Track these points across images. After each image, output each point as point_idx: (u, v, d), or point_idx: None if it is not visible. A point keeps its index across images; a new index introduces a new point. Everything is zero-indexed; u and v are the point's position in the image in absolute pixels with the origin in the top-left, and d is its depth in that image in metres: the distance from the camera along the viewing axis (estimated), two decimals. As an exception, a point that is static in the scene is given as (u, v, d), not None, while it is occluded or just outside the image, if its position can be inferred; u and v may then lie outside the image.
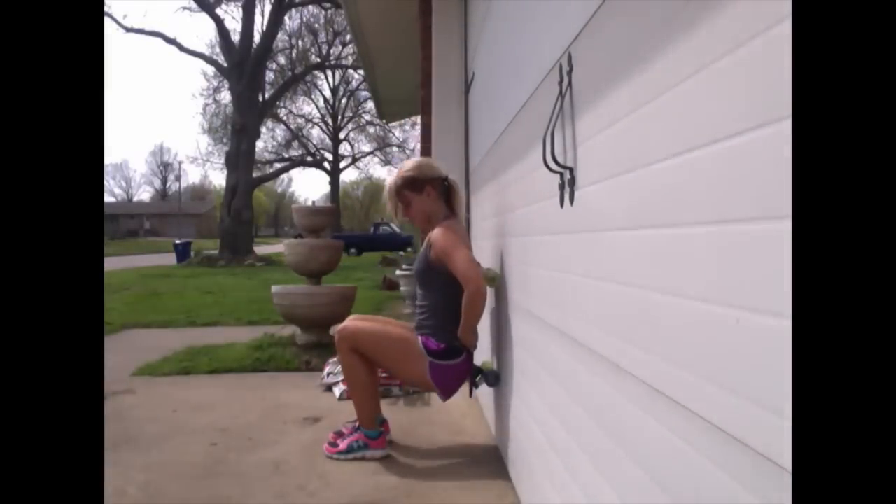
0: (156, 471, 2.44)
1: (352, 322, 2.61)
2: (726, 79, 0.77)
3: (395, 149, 35.31)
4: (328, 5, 23.40)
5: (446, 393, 2.54)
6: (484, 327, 2.63)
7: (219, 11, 21.17)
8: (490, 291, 2.72)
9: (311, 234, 4.92)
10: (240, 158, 19.43)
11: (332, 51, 27.44)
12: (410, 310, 4.99)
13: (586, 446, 1.37)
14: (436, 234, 2.47)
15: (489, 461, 2.54)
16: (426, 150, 4.41)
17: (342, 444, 2.56)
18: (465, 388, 2.64)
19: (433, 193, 2.59)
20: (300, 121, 34.76)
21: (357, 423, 2.61)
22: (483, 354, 2.80)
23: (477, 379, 2.60)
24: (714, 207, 0.80)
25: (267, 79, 24.59)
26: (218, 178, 72.54)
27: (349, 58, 26.32)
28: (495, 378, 2.58)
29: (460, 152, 4.10)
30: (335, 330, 2.59)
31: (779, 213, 0.64)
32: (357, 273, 13.46)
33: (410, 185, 2.58)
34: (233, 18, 38.84)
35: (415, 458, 2.57)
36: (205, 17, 22.44)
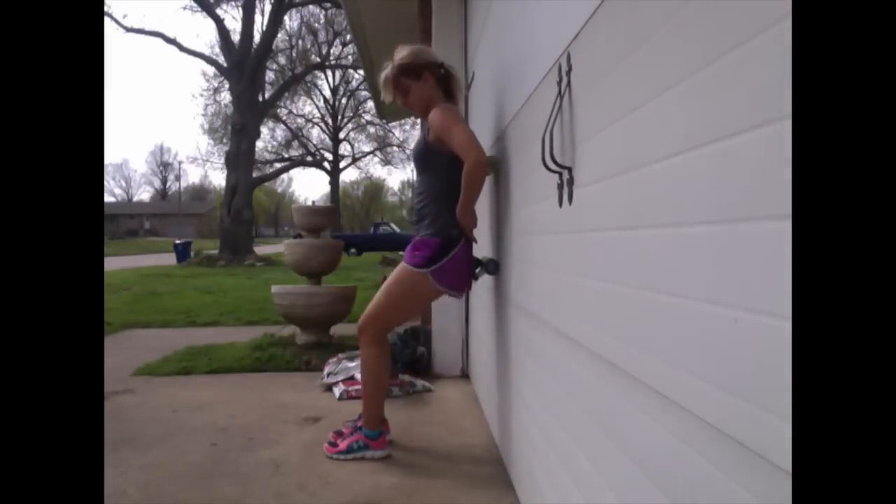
0: (156, 471, 2.44)
1: (367, 309, 2.57)
2: (726, 78, 0.77)
3: (395, 149, 35.35)
4: (328, 5, 23.40)
5: (459, 290, 2.50)
6: (483, 322, 2.63)
7: (219, 11, 21.19)
8: (490, 287, 2.72)
9: (310, 233, 4.93)
10: (240, 158, 19.43)
11: (332, 51, 27.45)
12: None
13: (585, 446, 1.37)
14: (434, 114, 2.40)
15: (489, 461, 2.54)
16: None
17: (342, 445, 2.56)
18: (464, 383, 2.63)
19: (431, 79, 2.53)
20: (300, 121, 34.78)
21: (357, 423, 2.60)
22: (480, 252, 2.76)
23: (477, 271, 2.56)
24: (713, 207, 0.80)
25: (267, 79, 24.60)
26: (218, 178, 72.64)
27: (349, 58, 26.32)
28: (495, 266, 2.54)
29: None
30: (359, 323, 2.56)
31: (779, 213, 0.64)
32: (357, 273, 13.45)
33: (408, 71, 2.51)
34: (233, 18, 38.87)
35: (415, 458, 2.57)
36: (205, 17, 22.41)
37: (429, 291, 2.46)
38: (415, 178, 2.63)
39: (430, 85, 2.53)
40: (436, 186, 2.45)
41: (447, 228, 2.40)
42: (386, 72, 2.58)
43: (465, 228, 2.44)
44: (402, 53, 2.57)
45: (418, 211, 2.50)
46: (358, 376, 3.71)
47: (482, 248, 2.88)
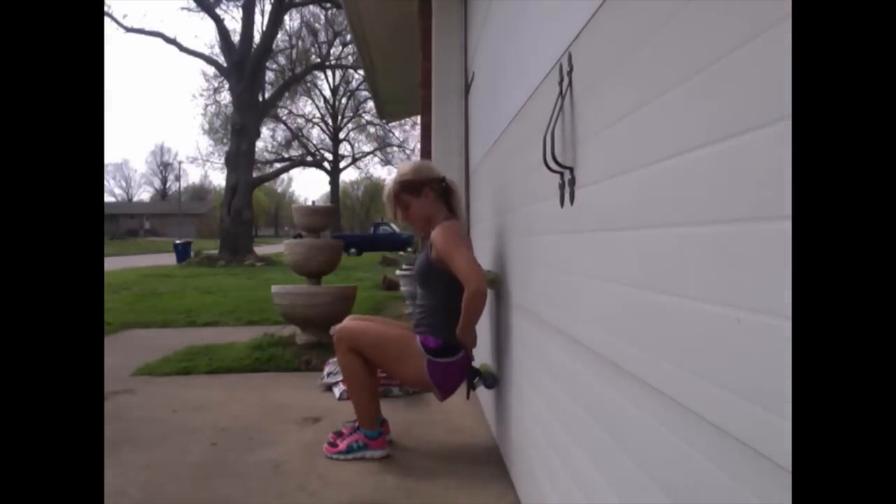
0: (156, 471, 2.44)
1: (350, 322, 2.62)
2: (726, 78, 0.77)
3: (395, 149, 35.35)
4: (328, 5, 23.41)
5: (444, 392, 2.54)
6: (483, 329, 2.63)
7: (219, 11, 21.19)
8: (490, 294, 2.72)
9: (310, 233, 4.92)
10: (240, 158, 19.42)
11: (332, 51, 27.46)
12: (410, 310, 4.99)
13: (586, 446, 1.37)
14: (436, 233, 2.47)
15: (489, 461, 2.54)
16: (426, 150, 4.41)
17: (342, 445, 2.56)
18: (462, 390, 2.64)
19: (431, 195, 2.59)
20: (300, 121, 34.80)
21: (357, 423, 2.61)
22: (481, 358, 2.80)
23: (475, 381, 2.60)
24: (714, 207, 0.80)
25: (267, 79, 24.60)
26: (218, 178, 72.62)
27: (349, 58, 26.33)
28: (493, 380, 2.57)
29: (460, 152, 4.10)
30: (334, 330, 2.60)
31: (779, 213, 0.64)
32: (357, 273, 13.46)
33: (408, 188, 2.58)
34: (233, 18, 38.86)
35: (415, 458, 2.57)
36: (205, 17, 22.42)
37: (414, 371, 2.48)
38: (416, 285, 2.70)
39: (430, 201, 2.59)
40: (438, 302, 2.51)
41: (447, 338, 2.46)
42: (387, 188, 2.66)
43: (466, 346, 2.50)
44: (403, 170, 2.66)
45: (418, 319, 2.56)
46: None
47: (483, 251, 2.88)
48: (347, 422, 2.70)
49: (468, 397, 2.70)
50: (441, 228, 2.47)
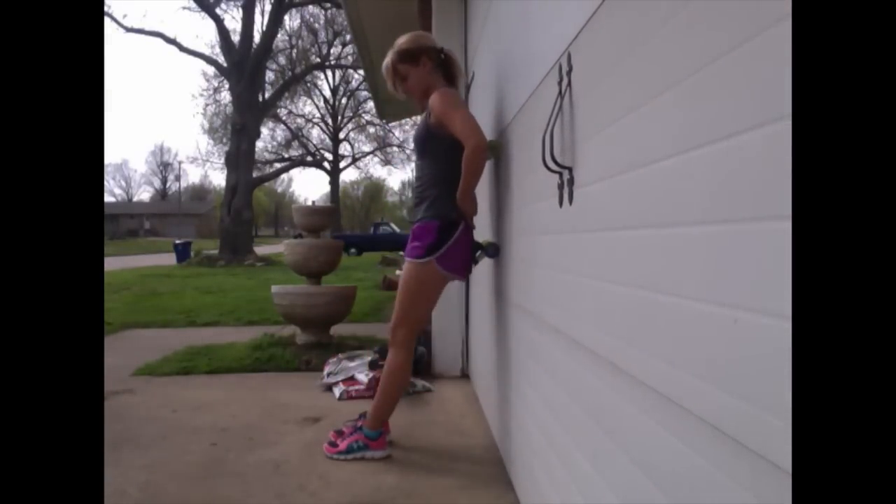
0: (156, 471, 2.44)
1: (393, 318, 2.57)
2: (726, 78, 0.77)
3: (395, 149, 35.36)
4: (328, 5, 23.40)
5: (462, 273, 2.51)
6: (484, 320, 2.62)
7: (219, 11, 21.18)
8: (490, 287, 2.72)
9: (310, 233, 4.93)
10: (240, 158, 19.42)
11: (332, 51, 27.46)
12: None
13: (585, 446, 1.37)
14: (434, 98, 2.41)
15: (489, 461, 2.54)
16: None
17: (342, 445, 2.55)
18: (464, 383, 2.63)
19: (429, 64, 2.54)
20: (300, 121, 34.79)
21: (358, 423, 2.60)
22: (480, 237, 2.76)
23: (477, 254, 2.56)
24: (713, 207, 0.80)
25: (267, 79, 24.59)
26: (218, 178, 72.61)
27: (349, 58, 26.32)
28: (495, 249, 2.54)
29: (460, 152, 4.09)
30: (390, 326, 2.56)
31: (779, 213, 0.64)
32: (357, 273, 13.46)
33: (406, 57, 2.53)
34: (233, 18, 38.85)
35: (415, 458, 2.57)
36: (205, 17, 22.42)
37: (438, 279, 2.47)
38: (415, 158, 2.64)
39: (428, 70, 2.54)
40: (436, 170, 2.45)
41: (447, 211, 2.40)
42: (387, 59, 2.60)
43: (466, 213, 2.45)
44: (401, 40, 2.60)
45: (418, 195, 2.51)
46: (358, 376, 3.72)
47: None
48: (348, 421, 2.70)
49: (470, 270, 2.65)
50: (439, 93, 2.41)
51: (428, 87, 2.53)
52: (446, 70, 2.59)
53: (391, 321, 2.57)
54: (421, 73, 2.53)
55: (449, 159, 2.37)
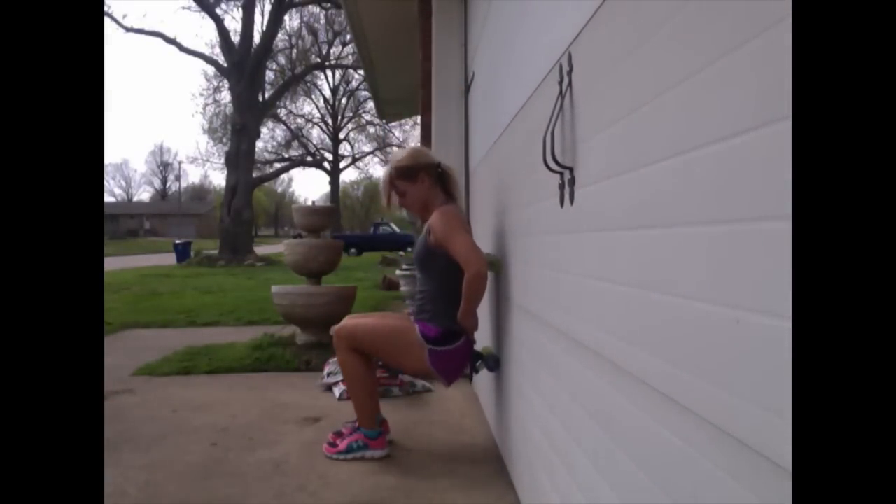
0: (156, 471, 2.44)
1: (348, 320, 2.61)
2: (726, 79, 0.77)
3: (395, 149, 35.29)
4: (328, 5, 23.40)
5: (449, 378, 2.51)
6: (483, 313, 2.62)
7: (219, 11, 21.19)
8: (490, 290, 2.72)
9: (310, 233, 4.93)
10: (240, 158, 19.43)
11: (332, 51, 27.47)
12: (411, 309, 5.00)
13: (586, 446, 1.37)
14: (434, 218, 2.44)
15: (489, 461, 2.54)
16: (426, 150, 4.40)
17: (341, 445, 2.55)
18: (464, 383, 2.64)
19: (427, 181, 2.56)
20: (300, 121, 34.81)
21: (357, 423, 2.60)
22: (483, 342, 2.79)
23: (477, 364, 2.58)
24: (714, 207, 0.80)
25: (267, 79, 24.60)
26: (218, 178, 72.60)
27: (349, 58, 26.33)
28: (495, 362, 2.56)
29: (460, 152, 4.10)
30: (333, 330, 2.59)
31: (779, 213, 0.64)
32: (357, 273, 13.46)
33: (404, 174, 2.56)
34: (233, 18, 38.83)
35: (415, 458, 2.57)
36: (205, 17, 22.43)
37: (416, 361, 2.47)
38: (416, 270, 2.68)
39: (426, 186, 2.57)
40: (436, 286, 2.49)
41: (448, 324, 2.44)
42: (384, 174, 2.65)
43: (467, 330, 2.48)
44: (399, 156, 2.65)
45: (419, 306, 2.54)
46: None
47: (484, 245, 2.88)
48: (347, 422, 2.70)
49: (471, 380, 2.68)
50: (439, 213, 2.44)
51: (426, 202, 2.57)
52: (444, 184, 2.61)
53: (340, 329, 2.54)
54: (419, 189, 2.56)
55: (449, 276, 2.40)
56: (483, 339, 2.75)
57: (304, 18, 26.72)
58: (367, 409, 2.57)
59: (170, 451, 2.67)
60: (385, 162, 36.44)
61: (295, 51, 27.30)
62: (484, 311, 2.65)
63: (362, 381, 2.58)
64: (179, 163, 79.37)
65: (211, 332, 6.01)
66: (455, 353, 2.47)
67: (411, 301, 2.95)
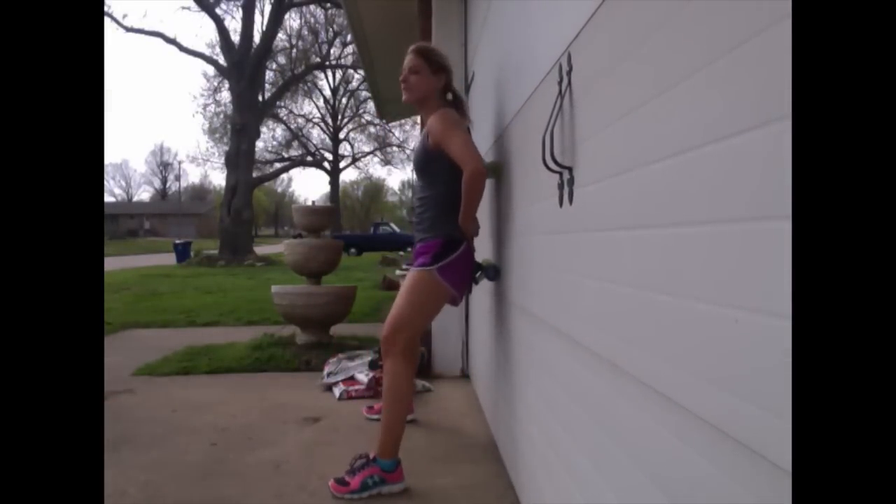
0: (156, 471, 2.44)
1: (389, 324, 2.42)
2: (726, 78, 0.77)
3: (395, 149, 35.36)
4: (328, 5, 23.41)
5: (460, 288, 2.43)
6: (483, 314, 2.62)
7: (219, 11, 21.19)
8: (491, 287, 2.73)
9: (310, 233, 4.93)
10: (240, 158, 19.43)
11: (332, 51, 27.47)
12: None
13: (585, 446, 1.37)
14: (432, 120, 2.39)
15: (489, 461, 2.54)
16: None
17: (354, 482, 2.23)
18: (465, 383, 2.62)
19: (442, 82, 2.50)
20: (300, 121, 34.79)
21: (371, 454, 2.29)
22: (481, 255, 2.75)
23: (477, 275, 2.54)
24: (713, 207, 0.80)
25: (267, 79, 24.61)
26: (218, 178, 72.55)
27: (349, 58, 26.33)
28: (495, 271, 2.54)
29: (460, 152, 4.09)
30: (383, 337, 2.38)
31: (779, 213, 0.64)
32: (357, 273, 13.46)
33: (430, 57, 2.49)
34: (233, 18, 38.81)
35: (415, 458, 2.57)
36: (205, 17, 22.45)
37: (440, 290, 2.38)
38: (415, 179, 2.61)
39: (437, 84, 2.49)
40: (436, 192, 2.42)
41: (449, 231, 2.37)
42: (413, 47, 2.56)
43: (468, 235, 2.42)
44: (432, 45, 2.59)
45: (419, 215, 2.47)
46: (358, 376, 3.71)
47: (482, 250, 2.88)
48: (357, 457, 2.34)
49: (470, 291, 2.62)
50: (438, 114, 2.38)
51: (427, 95, 2.50)
52: (453, 101, 2.55)
53: (385, 329, 2.38)
54: (430, 81, 2.49)
55: (449, 180, 2.35)
56: (483, 340, 2.74)
57: (304, 18, 26.75)
58: (397, 436, 2.32)
59: (170, 451, 2.67)
60: (385, 162, 36.50)
61: (295, 51, 27.31)
62: (484, 312, 2.65)
63: (406, 402, 2.36)
64: (179, 163, 79.48)
65: (211, 332, 6.01)
66: (459, 261, 2.38)
67: (410, 215, 2.87)
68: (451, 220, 2.36)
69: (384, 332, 2.38)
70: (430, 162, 2.41)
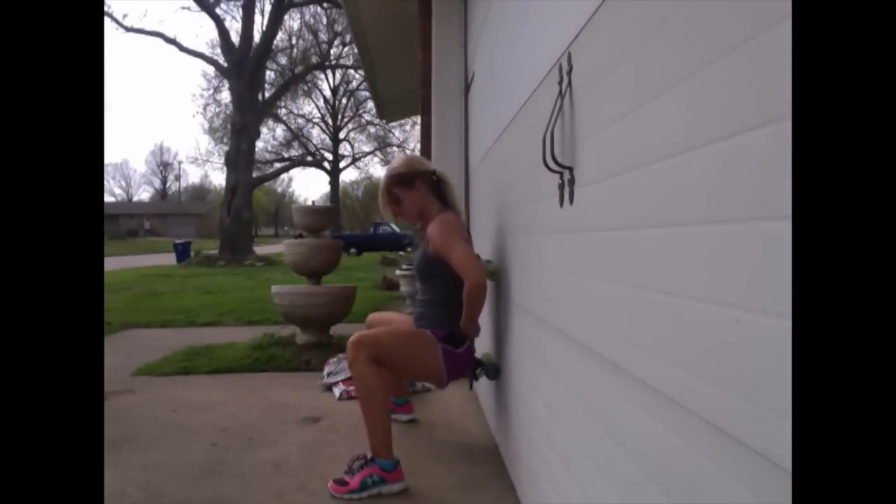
0: (156, 471, 2.44)
1: (369, 330, 2.53)
2: (726, 78, 0.77)
3: (395, 149, 35.35)
4: (328, 5, 23.41)
5: (450, 377, 2.46)
6: (483, 316, 2.62)
7: (219, 11, 21.19)
8: (490, 288, 2.73)
9: (310, 233, 4.93)
10: (240, 158, 19.43)
11: (332, 51, 27.46)
12: (411, 309, 4.99)
13: (586, 446, 1.37)
14: (432, 228, 2.46)
15: (489, 461, 2.54)
16: (426, 150, 4.41)
17: (353, 482, 2.23)
18: (464, 383, 2.62)
19: (422, 188, 2.58)
20: (300, 121, 34.81)
21: (369, 455, 2.30)
22: (482, 348, 2.79)
23: (477, 371, 2.57)
24: (714, 207, 0.80)
25: (267, 79, 24.61)
26: (218, 178, 72.52)
27: (349, 58, 26.34)
28: (495, 371, 2.56)
29: (460, 152, 4.10)
30: (351, 340, 2.35)
31: (779, 213, 0.64)
32: (357, 273, 13.45)
33: (400, 181, 2.58)
34: (233, 18, 38.79)
35: (415, 458, 2.57)
36: (205, 17, 22.46)
37: (431, 362, 2.40)
38: (416, 280, 2.68)
39: (421, 193, 2.58)
40: (437, 295, 2.50)
41: (451, 329, 2.45)
42: (381, 184, 2.67)
43: (469, 337, 2.49)
44: (394, 164, 2.66)
45: (419, 313, 2.55)
46: (358, 376, 3.71)
47: (483, 249, 2.88)
48: (355, 457, 2.35)
49: (471, 388, 2.66)
50: (437, 223, 2.45)
51: (422, 209, 2.60)
52: (439, 191, 2.63)
53: (358, 336, 2.33)
54: (414, 196, 2.58)
55: (449, 285, 2.41)
56: (483, 341, 2.74)
57: (304, 18, 26.74)
58: (385, 433, 2.31)
59: (170, 451, 2.67)
60: (385, 162, 36.50)
61: (295, 51, 27.31)
62: (484, 313, 2.65)
63: (382, 400, 2.34)
64: (179, 163, 79.51)
65: (211, 332, 6.01)
66: (461, 357, 2.47)
67: (411, 305, 2.92)
68: (452, 320, 2.44)
69: (357, 336, 2.34)
70: (432, 267, 2.49)
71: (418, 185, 2.58)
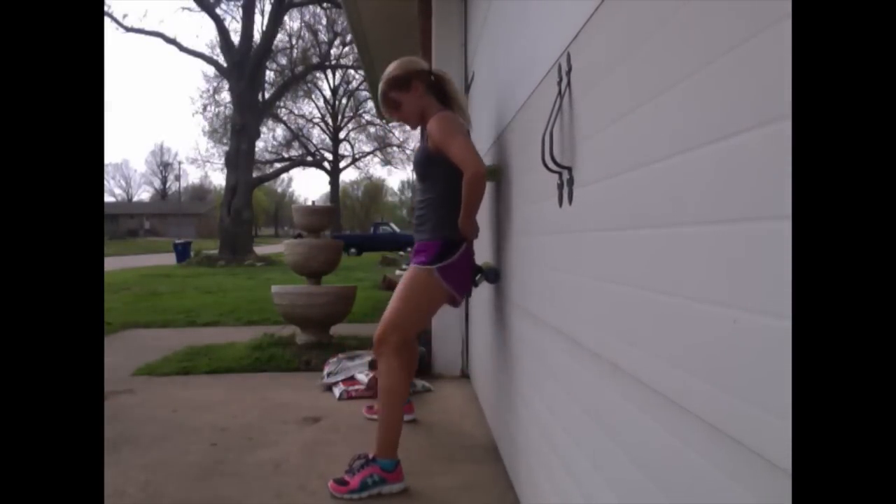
0: (156, 471, 2.44)
1: (381, 324, 2.43)
2: (726, 78, 0.77)
3: (395, 149, 35.37)
4: (328, 5, 23.41)
5: (460, 290, 2.43)
6: (484, 314, 2.63)
7: (219, 11, 21.19)
8: (489, 292, 2.73)
9: (310, 233, 4.93)
10: (240, 158, 19.44)
11: (332, 51, 27.47)
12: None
13: (585, 446, 1.37)
14: (431, 123, 2.38)
15: (489, 461, 2.54)
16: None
17: (353, 482, 2.23)
18: (465, 383, 2.62)
19: (420, 88, 2.51)
20: (300, 121, 34.82)
21: (371, 454, 2.29)
22: (482, 257, 2.75)
23: (477, 277, 2.54)
24: (713, 207, 0.80)
25: (267, 79, 24.61)
26: (218, 178, 72.52)
27: (349, 58, 26.34)
28: (495, 275, 2.54)
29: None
30: (376, 336, 2.37)
31: (779, 213, 0.64)
32: (357, 273, 13.46)
33: (396, 84, 2.51)
34: (233, 18, 38.80)
35: (415, 458, 2.57)
36: (205, 17, 22.48)
37: (438, 290, 2.38)
38: (415, 181, 2.62)
39: (419, 94, 2.51)
40: (436, 194, 2.43)
41: (449, 233, 2.38)
42: (379, 89, 2.60)
43: (467, 237, 2.43)
44: (390, 67, 2.58)
45: (419, 216, 2.48)
46: (358, 376, 3.71)
47: (482, 252, 2.88)
48: (358, 458, 2.33)
49: (470, 293, 2.61)
50: (436, 118, 2.39)
51: (422, 110, 2.52)
52: (439, 91, 2.56)
53: (379, 328, 2.37)
54: (413, 97, 2.51)
55: (449, 183, 2.35)
56: (483, 340, 2.74)
57: (304, 18, 26.75)
58: (396, 433, 2.33)
59: (170, 451, 2.67)
60: (386, 162, 36.52)
61: (295, 51, 27.31)
62: (484, 312, 2.65)
63: (402, 400, 2.35)
64: (179, 163, 79.50)
65: (211, 332, 6.01)
66: (459, 263, 2.39)
67: (411, 215, 2.87)
68: (451, 222, 2.37)
69: (378, 330, 2.38)
70: (431, 164, 2.42)
71: (416, 86, 2.50)
